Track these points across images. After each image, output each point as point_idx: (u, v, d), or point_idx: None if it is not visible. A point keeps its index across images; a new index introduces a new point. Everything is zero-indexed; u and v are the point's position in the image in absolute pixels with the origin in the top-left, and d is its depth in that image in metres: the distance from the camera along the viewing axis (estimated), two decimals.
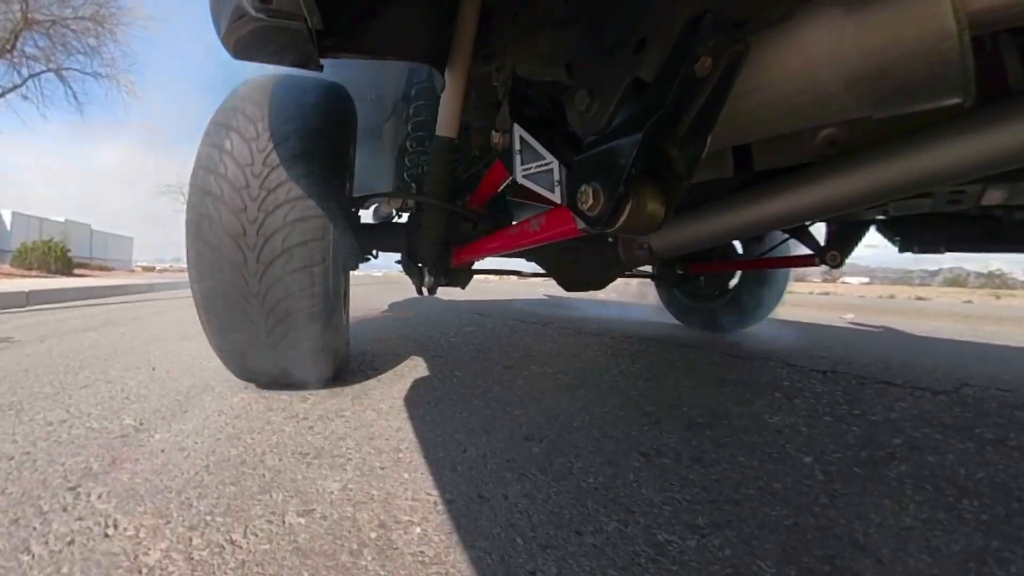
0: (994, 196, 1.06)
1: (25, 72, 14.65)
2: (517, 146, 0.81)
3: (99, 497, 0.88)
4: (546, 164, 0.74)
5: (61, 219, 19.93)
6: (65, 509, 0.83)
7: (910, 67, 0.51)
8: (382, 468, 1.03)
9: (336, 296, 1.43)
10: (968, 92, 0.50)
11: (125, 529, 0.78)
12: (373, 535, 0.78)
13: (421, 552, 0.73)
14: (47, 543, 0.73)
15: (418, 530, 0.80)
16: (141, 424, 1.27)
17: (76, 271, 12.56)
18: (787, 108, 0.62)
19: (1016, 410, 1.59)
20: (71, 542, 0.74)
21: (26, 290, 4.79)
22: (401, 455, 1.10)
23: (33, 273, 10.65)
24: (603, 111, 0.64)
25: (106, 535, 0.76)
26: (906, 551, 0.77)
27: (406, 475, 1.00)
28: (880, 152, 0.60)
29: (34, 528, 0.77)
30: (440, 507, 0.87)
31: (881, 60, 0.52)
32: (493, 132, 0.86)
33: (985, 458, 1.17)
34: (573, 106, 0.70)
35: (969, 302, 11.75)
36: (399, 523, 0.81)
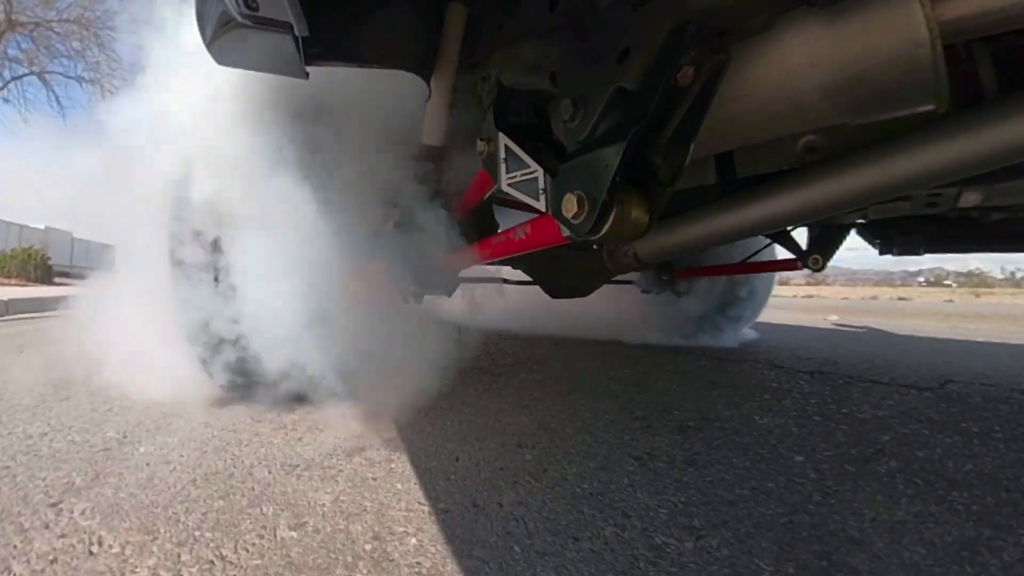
0: (970, 198, 1.09)
1: (7, 75, 14.36)
2: (502, 154, 0.81)
3: (82, 513, 0.86)
4: (531, 172, 0.75)
5: (41, 226, 19.47)
6: (47, 526, 0.81)
7: (885, 75, 0.53)
8: (374, 479, 1.02)
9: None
10: (941, 99, 0.51)
11: (110, 546, 0.76)
12: (368, 547, 0.77)
13: (418, 563, 0.73)
14: (28, 562, 0.71)
15: (414, 541, 0.79)
16: (125, 437, 1.24)
17: (57, 279, 12.27)
18: (768, 116, 0.63)
19: (1000, 404, 1.63)
20: (54, 560, 0.72)
21: (5, 299, 4.68)
22: (393, 465, 1.09)
23: (12, 281, 10.37)
24: (587, 120, 0.65)
25: (90, 553, 0.74)
26: (900, 544, 0.78)
27: (399, 485, 0.99)
28: (859, 158, 0.62)
29: (15, 547, 0.75)
30: (435, 517, 0.86)
31: (857, 69, 0.54)
32: (478, 140, 0.87)
33: (972, 451, 1.19)
34: (558, 115, 0.71)
35: (950, 301, 12.04)
36: (394, 534, 0.81)
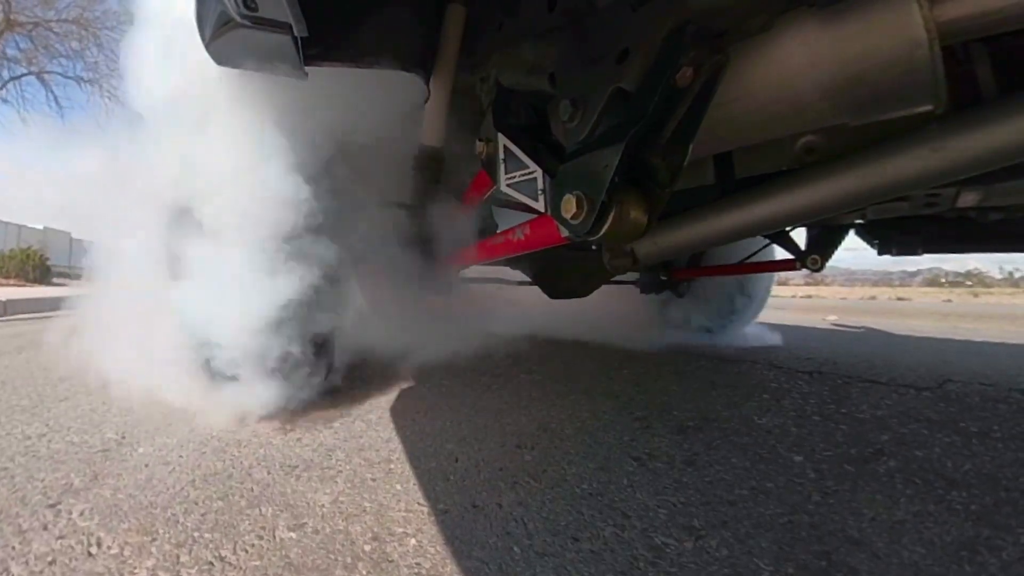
0: (969, 198, 1.09)
1: (6, 75, 14.28)
2: (501, 155, 0.81)
3: (81, 514, 0.85)
4: (530, 173, 0.75)
5: (40, 226, 19.40)
6: (45, 527, 0.81)
7: (883, 76, 0.53)
8: (373, 480, 1.02)
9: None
10: (939, 99, 0.52)
11: (109, 547, 0.76)
12: (367, 548, 0.77)
13: (417, 564, 0.73)
14: (27, 563, 0.71)
15: (413, 542, 0.79)
16: (123, 437, 1.24)
17: (55, 280, 12.23)
18: (767, 116, 0.63)
19: (999, 403, 1.63)
20: (52, 562, 0.72)
21: (3, 299, 4.67)
22: (392, 466, 1.09)
23: (11, 282, 10.34)
24: (586, 120, 0.65)
25: (89, 554, 0.74)
26: (900, 544, 0.78)
27: (398, 486, 0.99)
28: (857, 158, 0.62)
29: (13, 548, 0.75)
30: (434, 518, 0.86)
31: (855, 69, 0.54)
32: (477, 141, 0.87)
33: (971, 450, 1.20)
34: (557, 115, 0.71)
35: (948, 301, 12.03)
36: (393, 535, 0.81)
